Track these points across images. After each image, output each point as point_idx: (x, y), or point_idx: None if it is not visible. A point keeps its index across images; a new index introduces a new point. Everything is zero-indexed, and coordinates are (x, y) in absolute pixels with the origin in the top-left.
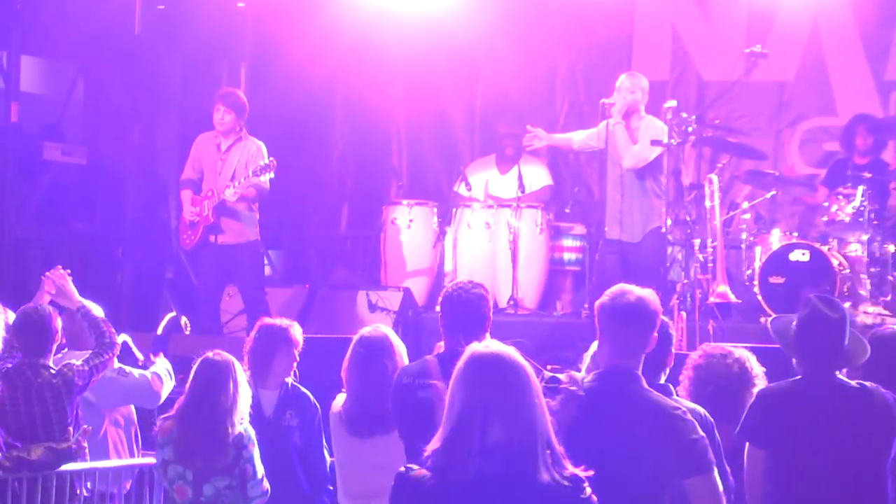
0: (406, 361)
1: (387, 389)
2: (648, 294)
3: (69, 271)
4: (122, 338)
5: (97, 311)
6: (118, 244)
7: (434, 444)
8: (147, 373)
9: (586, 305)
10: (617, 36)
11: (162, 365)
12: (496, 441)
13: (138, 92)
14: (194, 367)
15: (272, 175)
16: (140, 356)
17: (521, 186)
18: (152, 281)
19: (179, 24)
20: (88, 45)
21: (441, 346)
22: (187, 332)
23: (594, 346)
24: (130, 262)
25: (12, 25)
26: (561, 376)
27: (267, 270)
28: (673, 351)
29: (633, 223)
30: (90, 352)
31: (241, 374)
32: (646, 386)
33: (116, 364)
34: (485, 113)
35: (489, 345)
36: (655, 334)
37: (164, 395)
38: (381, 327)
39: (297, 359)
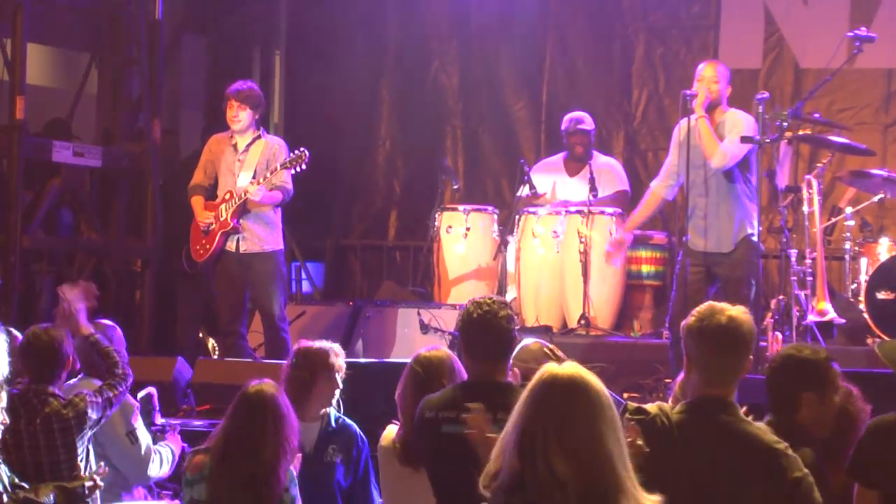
0: None
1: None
2: (741, 313)
3: (94, 286)
4: (146, 393)
5: (117, 335)
6: (136, 257)
7: (489, 479)
8: (158, 450)
9: (667, 325)
10: (701, 17)
11: (168, 450)
12: (566, 476)
13: (159, 84)
14: (236, 401)
15: (304, 166)
16: (161, 420)
17: (594, 189)
18: (175, 299)
19: (205, 7)
20: (102, 32)
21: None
22: (215, 357)
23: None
24: (151, 278)
25: (17, 10)
26: (650, 407)
27: (305, 286)
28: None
29: (721, 231)
30: (105, 382)
31: (290, 410)
32: (742, 416)
33: (135, 422)
34: (552, 106)
35: (567, 366)
36: (751, 357)
37: (152, 479)
38: (443, 348)
39: (340, 386)
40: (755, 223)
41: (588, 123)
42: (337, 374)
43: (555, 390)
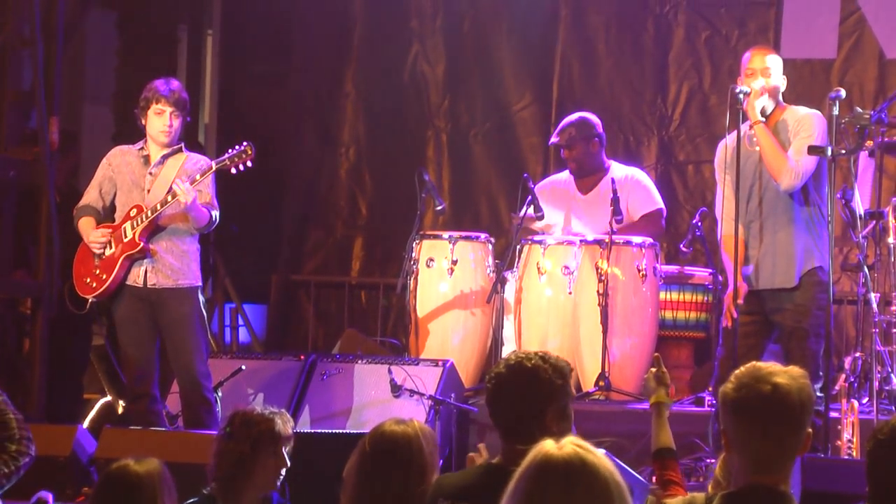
0: (436, 473)
1: None
2: (792, 379)
3: None
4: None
5: None
6: (25, 295)
7: None
8: None
9: (710, 389)
10: None
11: None
12: None
13: (57, 72)
14: (98, 484)
15: (249, 164)
16: None
17: (618, 213)
18: (76, 351)
19: None
20: None
21: (482, 448)
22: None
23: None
24: (43, 323)
25: None
26: (676, 502)
27: (242, 334)
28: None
29: (778, 263)
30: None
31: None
32: None
33: None
34: (564, 106)
35: (565, 445)
36: (810, 431)
37: None
38: (413, 423)
39: (288, 464)
40: (826, 254)
41: (572, 131)
42: (284, 449)
43: (548, 477)
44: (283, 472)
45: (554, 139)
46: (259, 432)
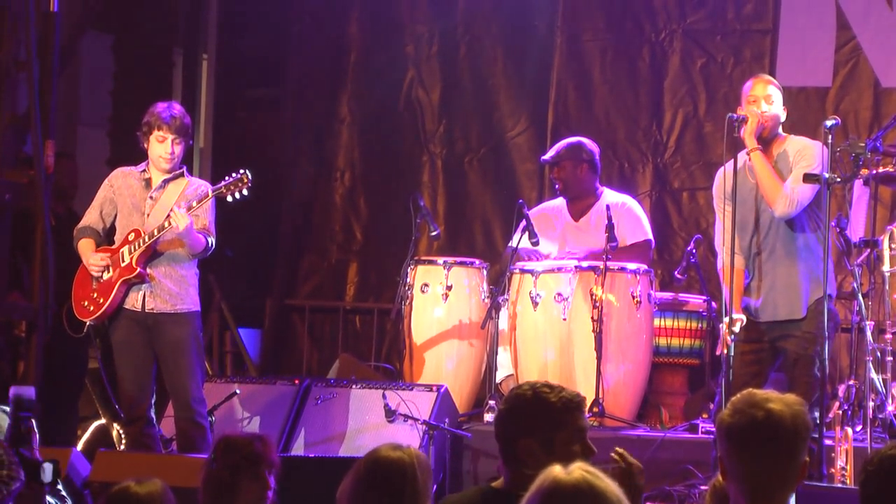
0: (429, 502)
1: None
2: (787, 406)
3: None
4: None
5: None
6: (20, 318)
7: None
8: None
9: (704, 416)
10: (755, 18)
11: None
12: None
13: (53, 95)
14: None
15: (245, 193)
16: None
17: (612, 238)
18: (72, 374)
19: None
20: None
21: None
22: (121, 448)
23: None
24: (39, 346)
25: None
26: None
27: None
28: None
29: (785, 295)
30: None
31: None
32: None
33: None
34: (559, 131)
35: (573, 470)
36: (807, 459)
37: None
38: (409, 450)
39: (272, 486)
40: (833, 282)
41: (562, 151)
42: (267, 472)
43: (557, 502)
44: (270, 495)
45: (545, 156)
46: (240, 457)
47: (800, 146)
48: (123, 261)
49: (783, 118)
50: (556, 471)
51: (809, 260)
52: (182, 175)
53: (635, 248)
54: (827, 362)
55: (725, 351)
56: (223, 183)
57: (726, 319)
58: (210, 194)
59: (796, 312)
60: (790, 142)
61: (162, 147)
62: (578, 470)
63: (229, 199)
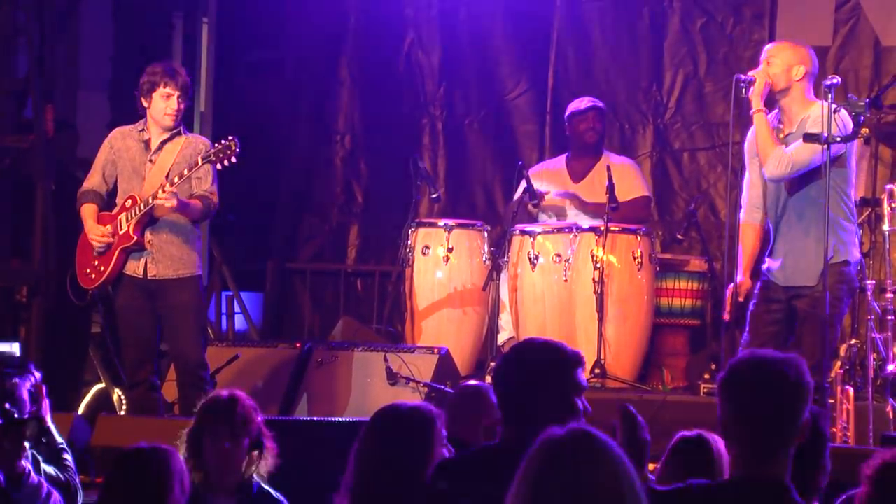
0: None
1: (413, 491)
2: (788, 363)
3: None
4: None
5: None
6: (21, 283)
7: None
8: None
9: (706, 376)
10: None
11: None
12: None
13: (53, 60)
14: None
15: (233, 160)
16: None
17: (613, 201)
18: (74, 339)
19: None
20: None
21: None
22: (122, 413)
23: None
24: (40, 311)
25: None
26: None
27: (238, 322)
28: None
29: (801, 259)
30: None
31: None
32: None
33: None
34: (560, 93)
35: (572, 427)
36: (806, 417)
37: None
38: (423, 405)
39: (262, 447)
40: (853, 249)
41: (601, 107)
42: (250, 429)
43: (556, 462)
44: (256, 455)
45: (590, 102)
46: (218, 416)
47: (818, 114)
48: (121, 228)
49: (796, 78)
50: (552, 430)
51: (829, 227)
52: (179, 133)
53: (636, 202)
54: (838, 327)
55: (729, 318)
56: (211, 150)
57: (733, 284)
58: (200, 163)
59: (811, 278)
60: (817, 108)
61: (168, 103)
62: (577, 427)
63: (219, 167)
